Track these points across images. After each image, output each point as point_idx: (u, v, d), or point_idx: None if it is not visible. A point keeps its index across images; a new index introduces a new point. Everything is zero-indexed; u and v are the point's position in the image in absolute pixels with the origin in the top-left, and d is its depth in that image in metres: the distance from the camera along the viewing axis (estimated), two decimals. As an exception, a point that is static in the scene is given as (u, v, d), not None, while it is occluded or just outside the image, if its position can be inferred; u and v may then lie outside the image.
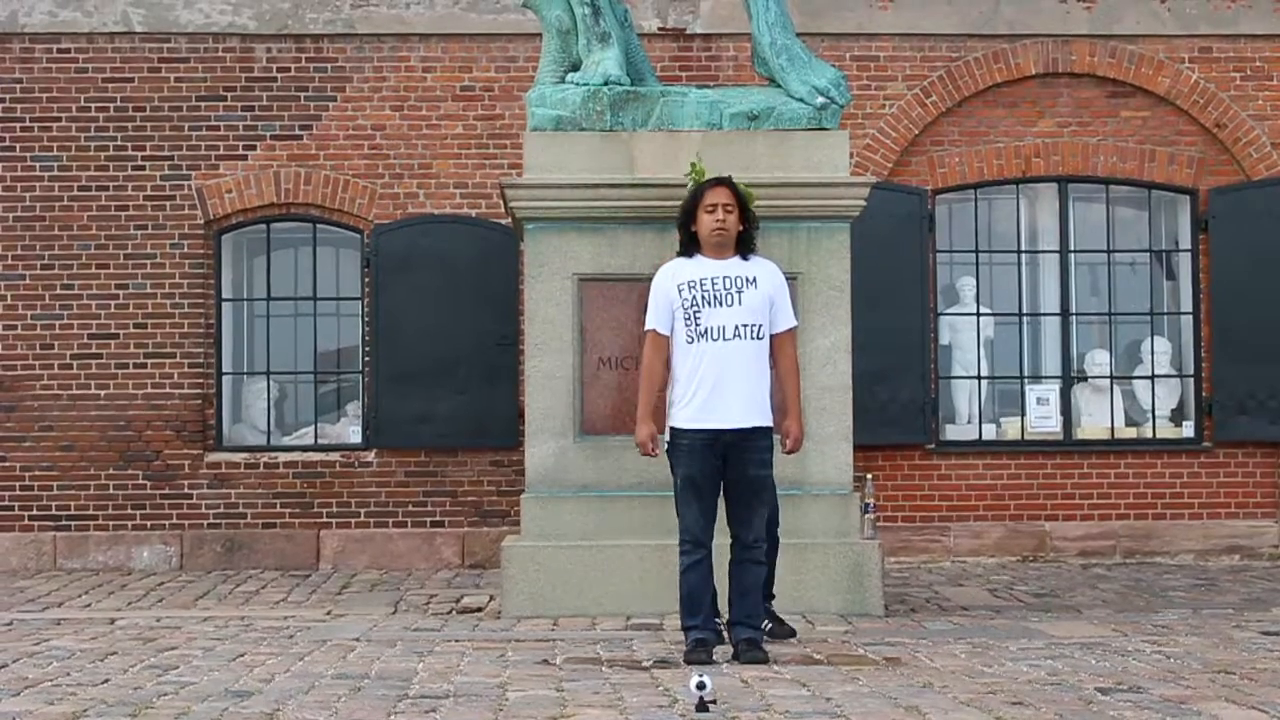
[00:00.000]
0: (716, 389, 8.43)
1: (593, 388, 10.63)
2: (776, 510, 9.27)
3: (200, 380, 14.50)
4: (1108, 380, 14.86)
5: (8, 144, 14.51)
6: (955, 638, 9.29)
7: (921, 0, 14.74)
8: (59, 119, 14.52)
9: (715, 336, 8.45)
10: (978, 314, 14.85)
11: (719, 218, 8.56)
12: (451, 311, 14.33)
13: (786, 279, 8.86)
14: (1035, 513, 14.59)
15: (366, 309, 14.61)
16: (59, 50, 14.55)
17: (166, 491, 14.38)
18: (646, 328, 8.66)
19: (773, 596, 9.42)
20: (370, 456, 14.48)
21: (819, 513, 10.49)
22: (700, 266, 8.57)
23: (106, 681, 7.80)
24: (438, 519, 14.42)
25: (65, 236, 14.46)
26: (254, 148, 14.57)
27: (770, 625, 9.19)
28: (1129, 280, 15.14)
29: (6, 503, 14.38)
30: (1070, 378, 14.81)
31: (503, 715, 6.81)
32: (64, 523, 14.35)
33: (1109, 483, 14.65)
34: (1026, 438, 14.74)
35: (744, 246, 8.64)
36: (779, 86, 10.91)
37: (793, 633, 9.27)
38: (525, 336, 11.02)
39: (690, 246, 8.66)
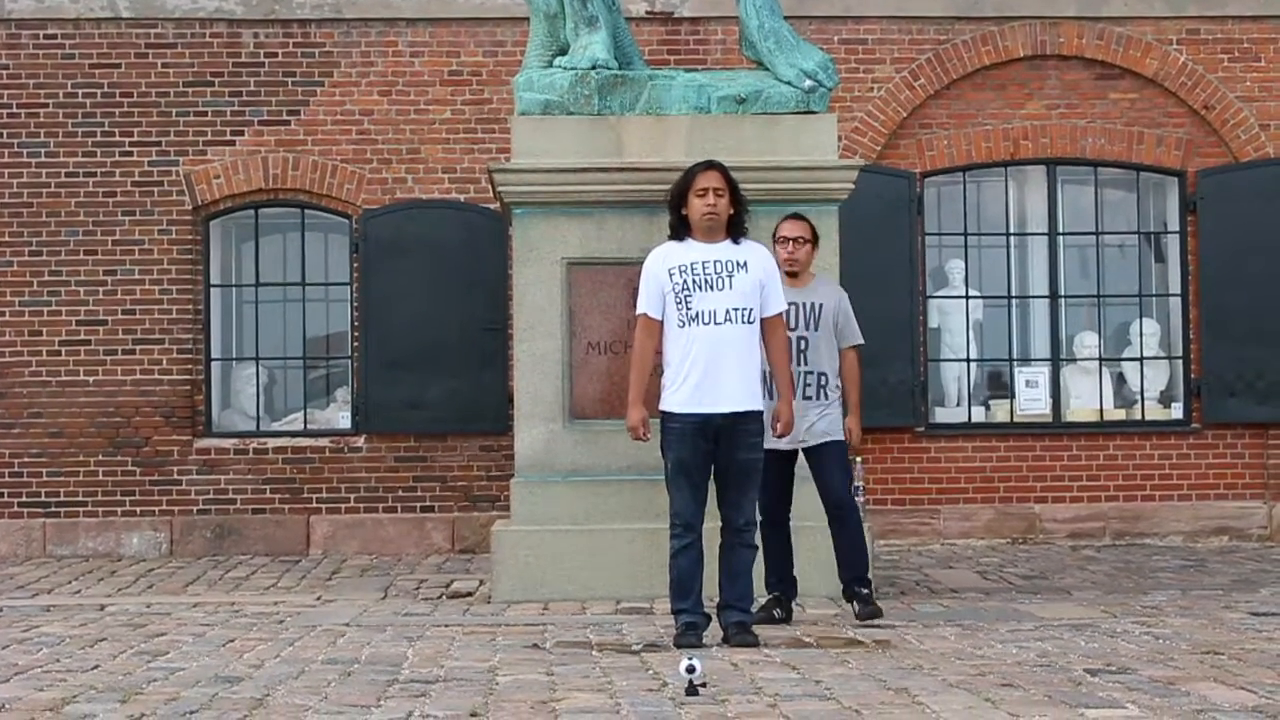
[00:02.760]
0: (708, 373, 8.43)
1: (582, 372, 10.63)
2: (847, 486, 9.46)
3: (189, 366, 14.48)
4: (1097, 362, 14.88)
5: (-6, 130, 14.51)
6: (945, 620, 9.30)
7: (909, -17, 14.74)
8: (46, 105, 14.49)
9: (706, 320, 8.45)
10: (966, 296, 14.85)
11: (710, 202, 8.55)
12: (440, 297, 14.32)
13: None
14: (1025, 495, 14.61)
15: (355, 294, 14.60)
16: (45, 36, 14.51)
17: (156, 478, 14.37)
18: (638, 312, 8.65)
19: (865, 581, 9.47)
20: (360, 442, 14.48)
21: (809, 496, 10.48)
22: (691, 251, 8.56)
23: (96, 668, 7.80)
24: (427, 504, 14.42)
25: (53, 223, 14.43)
26: (242, 133, 14.54)
27: (858, 605, 9.27)
28: (1117, 262, 15.16)
29: (-4, 490, 14.38)
30: (1059, 360, 14.83)
31: (493, 699, 6.81)
32: (53, 509, 14.34)
33: (1098, 465, 14.67)
34: (1016, 420, 14.75)
35: (735, 230, 8.64)
36: (767, 70, 10.90)
37: (875, 614, 9.21)
38: (514, 321, 11.02)
39: (681, 230, 8.65)
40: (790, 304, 9.02)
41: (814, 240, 9.58)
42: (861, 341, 9.64)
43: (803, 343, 9.30)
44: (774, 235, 9.51)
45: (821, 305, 9.39)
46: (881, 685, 7.06)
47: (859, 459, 12.42)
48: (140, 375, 14.40)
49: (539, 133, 10.75)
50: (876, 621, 9.18)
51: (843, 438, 9.50)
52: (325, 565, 13.43)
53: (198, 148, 14.51)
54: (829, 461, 9.45)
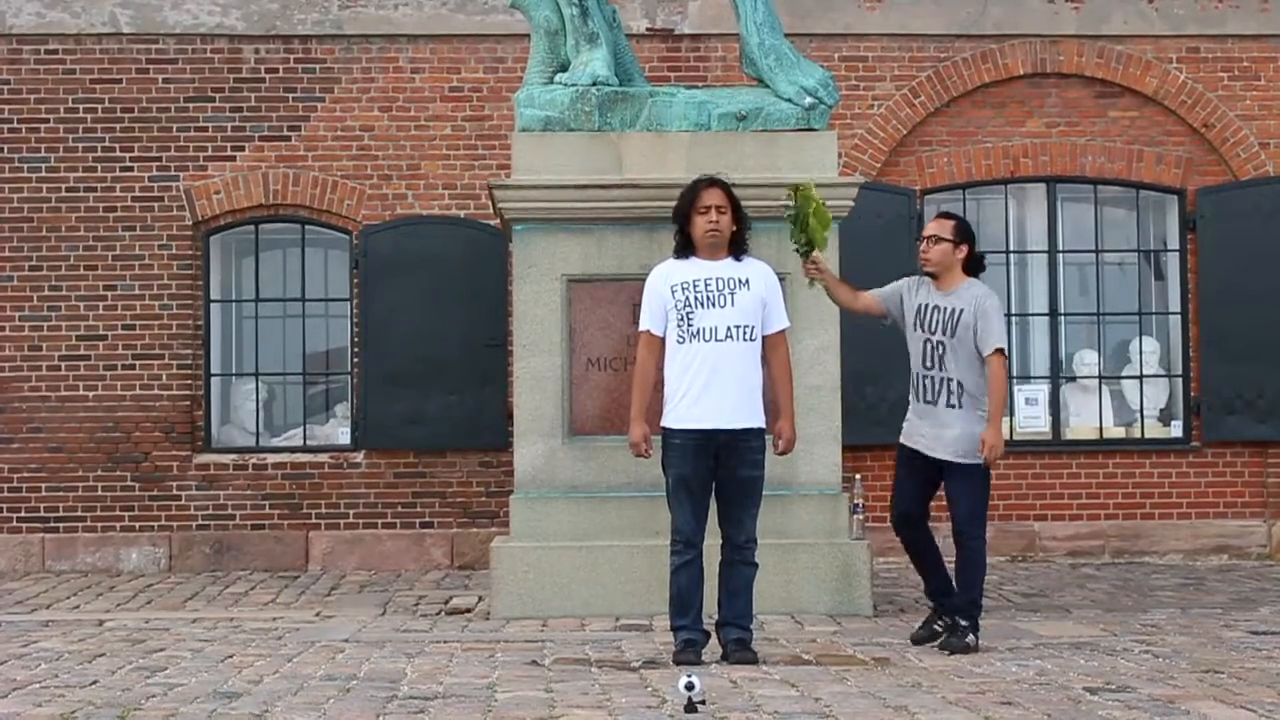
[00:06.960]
0: (709, 389, 8.44)
1: (581, 388, 10.64)
2: (976, 508, 9.04)
3: (189, 381, 14.48)
4: (1096, 380, 14.88)
5: (-5, 145, 14.52)
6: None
7: (910, 1, 14.75)
8: (47, 120, 14.50)
9: (708, 337, 8.46)
10: (966, 314, 14.83)
11: (712, 219, 8.57)
12: (440, 312, 14.32)
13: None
14: (1024, 513, 14.60)
15: (355, 310, 14.60)
16: (46, 51, 14.53)
17: (155, 493, 14.36)
18: (640, 328, 8.67)
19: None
20: (359, 458, 14.47)
21: (808, 513, 10.51)
22: (693, 268, 8.58)
23: (95, 683, 7.80)
24: (427, 520, 14.41)
25: (53, 238, 14.44)
26: (242, 149, 14.55)
27: (945, 633, 8.94)
28: (1117, 280, 15.16)
29: (-6, 504, 14.37)
30: (1059, 378, 14.83)
31: (491, 716, 6.81)
32: (52, 524, 14.32)
33: (1097, 482, 14.66)
34: (1015, 437, 14.70)
35: (737, 248, 8.65)
36: (767, 87, 10.92)
37: (954, 648, 8.75)
38: (514, 337, 11.02)
39: (685, 248, 8.67)
40: (934, 307, 8.92)
41: (959, 240, 8.99)
42: (999, 346, 8.87)
43: (940, 348, 8.92)
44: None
45: (961, 310, 8.90)
46: (881, 703, 7.06)
47: (858, 475, 12.42)
48: (140, 390, 14.40)
49: (539, 149, 10.77)
50: (877, 639, 9.16)
51: (974, 460, 8.91)
52: (324, 581, 13.42)
53: (198, 163, 14.52)
54: (955, 485, 9.01)
